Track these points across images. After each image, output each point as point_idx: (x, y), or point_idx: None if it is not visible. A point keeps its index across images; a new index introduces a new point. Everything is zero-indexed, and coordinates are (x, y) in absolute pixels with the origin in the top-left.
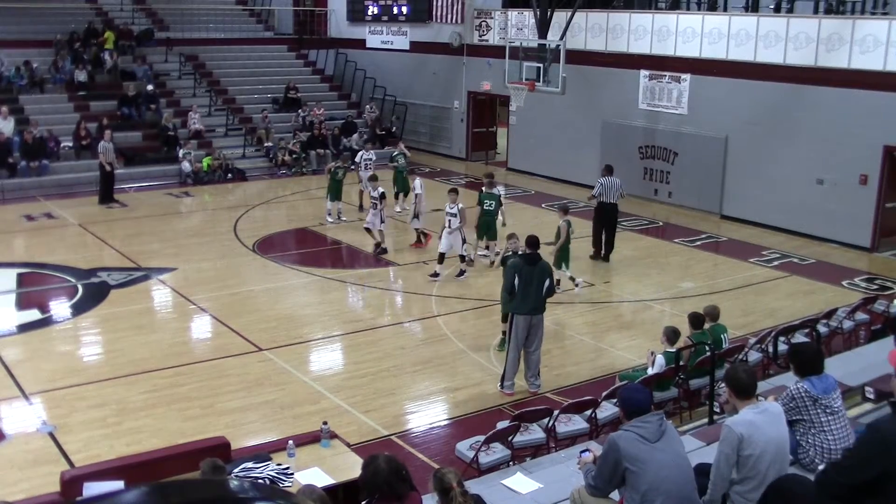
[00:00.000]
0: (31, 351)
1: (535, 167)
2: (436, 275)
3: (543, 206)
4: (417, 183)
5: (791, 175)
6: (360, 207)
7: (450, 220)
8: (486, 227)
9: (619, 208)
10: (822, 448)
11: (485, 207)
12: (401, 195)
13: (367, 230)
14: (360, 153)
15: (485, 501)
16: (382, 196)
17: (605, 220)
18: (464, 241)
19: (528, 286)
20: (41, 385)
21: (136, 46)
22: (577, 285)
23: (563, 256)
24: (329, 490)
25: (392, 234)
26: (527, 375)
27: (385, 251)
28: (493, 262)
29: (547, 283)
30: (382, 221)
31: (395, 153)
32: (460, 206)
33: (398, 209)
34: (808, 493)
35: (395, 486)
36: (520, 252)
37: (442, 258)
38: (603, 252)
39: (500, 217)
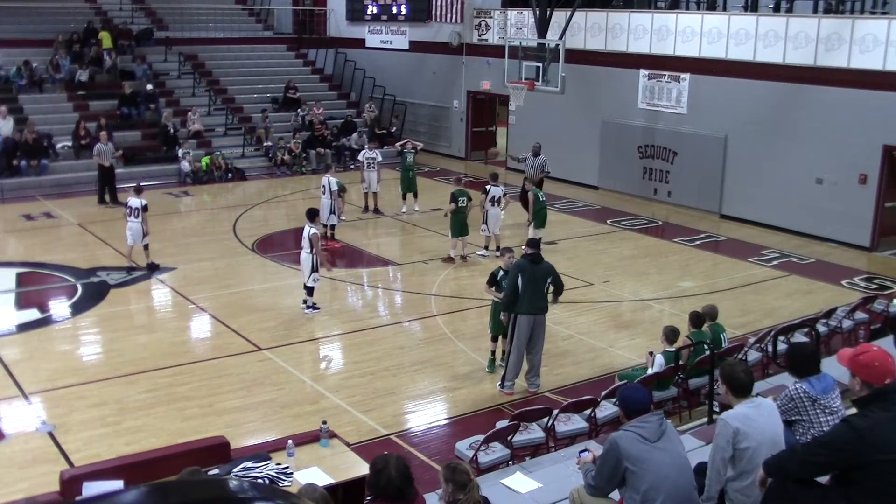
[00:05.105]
0: (30, 350)
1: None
2: (312, 306)
3: None
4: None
5: (790, 174)
6: (366, 208)
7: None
8: (459, 225)
9: (621, 208)
10: None
11: (459, 205)
12: (408, 195)
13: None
14: (362, 152)
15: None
16: (145, 208)
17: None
18: (313, 270)
19: (533, 286)
20: (40, 384)
21: (135, 46)
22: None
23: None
24: (328, 489)
25: (395, 234)
26: (527, 375)
27: (156, 266)
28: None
29: (550, 280)
30: (146, 234)
31: (405, 150)
32: (312, 230)
33: (404, 209)
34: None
35: (405, 491)
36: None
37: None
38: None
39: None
